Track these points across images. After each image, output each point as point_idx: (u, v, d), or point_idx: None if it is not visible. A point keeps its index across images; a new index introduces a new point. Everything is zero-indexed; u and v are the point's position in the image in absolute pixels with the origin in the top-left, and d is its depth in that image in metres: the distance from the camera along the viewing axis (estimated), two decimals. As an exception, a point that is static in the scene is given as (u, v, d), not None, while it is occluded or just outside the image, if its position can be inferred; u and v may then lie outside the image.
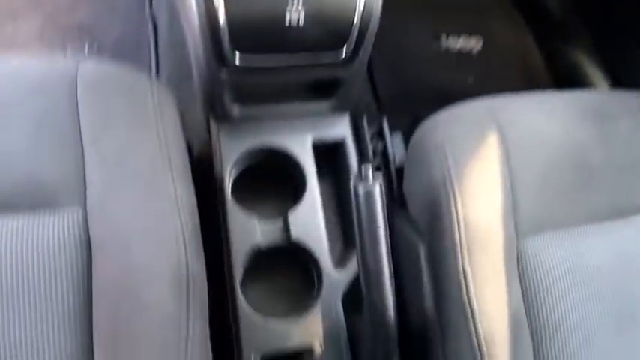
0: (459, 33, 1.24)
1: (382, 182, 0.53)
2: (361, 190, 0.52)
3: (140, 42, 1.10)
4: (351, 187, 0.53)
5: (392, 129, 0.97)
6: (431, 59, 1.20)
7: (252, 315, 0.67)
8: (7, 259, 0.51)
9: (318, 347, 0.67)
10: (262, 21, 0.59)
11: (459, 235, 0.60)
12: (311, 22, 0.59)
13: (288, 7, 0.57)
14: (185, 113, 0.95)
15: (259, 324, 0.67)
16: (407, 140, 0.95)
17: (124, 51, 1.10)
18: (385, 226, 0.53)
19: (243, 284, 0.70)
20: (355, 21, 0.61)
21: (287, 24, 0.58)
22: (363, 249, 0.54)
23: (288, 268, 0.75)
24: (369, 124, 0.95)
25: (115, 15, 1.14)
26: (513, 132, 0.66)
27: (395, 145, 0.94)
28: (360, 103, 1.03)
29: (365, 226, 0.52)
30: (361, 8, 0.61)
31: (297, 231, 0.70)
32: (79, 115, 0.57)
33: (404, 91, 1.14)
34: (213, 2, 0.57)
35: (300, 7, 0.57)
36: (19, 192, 0.53)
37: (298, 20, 0.58)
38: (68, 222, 0.53)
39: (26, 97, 0.57)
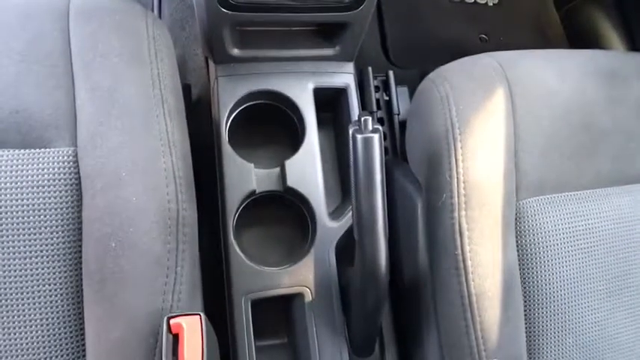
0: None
1: (382, 132, 0.52)
2: (359, 137, 0.50)
3: None
4: (350, 133, 0.51)
5: (399, 83, 0.95)
6: (444, 11, 1.15)
7: (243, 260, 0.67)
8: None
9: (308, 294, 0.68)
10: None
11: (457, 190, 0.59)
12: None
13: None
14: (187, 56, 0.92)
15: (251, 269, 0.67)
16: (413, 95, 0.93)
17: None
18: (382, 174, 0.52)
19: (237, 230, 0.70)
20: None
21: None
22: (357, 195, 0.53)
23: (283, 216, 0.74)
24: (376, 76, 0.92)
25: None
26: (522, 89, 0.64)
27: (400, 98, 0.91)
28: (366, 55, 1.01)
29: (361, 173, 0.51)
30: None
31: (293, 178, 0.70)
32: (70, 46, 0.55)
33: (414, 45, 1.11)
34: None
35: None
36: (7, 127, 0.52)
37: None
38: (58, 158, 0.53)
39: (15, 26, 0.55)
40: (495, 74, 0.64)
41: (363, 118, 0.51)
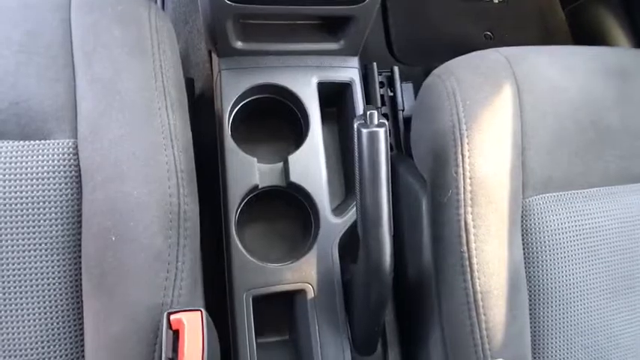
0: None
1: (388, 127, 0.51)
2: (365, 131, 0.49)
3: None
4: (355, 127, 0.50)
5: (403, 79, 0.94)
6: (449, 7, 1.14)
7: (245, 256, 0.67)
8: None
9: (310, 291, 0.67)
10: None
11: (464, 187, 0.58)
12: None
13: None
14: (190, 50, 0.92)
15: (252, 265, 0.66)
16: (418, 91, 0.92)
17: None
18: (387, 169, 0.51)
19: (239, 225, 0.69)
20: None
21: None
22: (362, 191, 0.52)
23: (286, 212, 0.73)
24: (380, 72, 0.91)
25: None
26: (530, 85, 0.63)
27: (405, 94, 0.91)
28: (370, 51, 1.00)
29: (366, 168, 0.50)
30: None
31: (296, 173, 0.69)
32: (71, 36, 0.54)
33: (418, 41, 1.10)
34: None
35: None
36: (7, 118, 0.52)
37: None
38: (58, 150, 0.52)
39: (15, 16, 0.54)
40: (503, 70, 0.63)
41: (368, 112, 0.50)
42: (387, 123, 0.51)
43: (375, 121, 0.50)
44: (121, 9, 0.56)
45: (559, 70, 0.65)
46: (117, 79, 0.53)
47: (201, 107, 0.79)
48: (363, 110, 0.50)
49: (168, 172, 0.53)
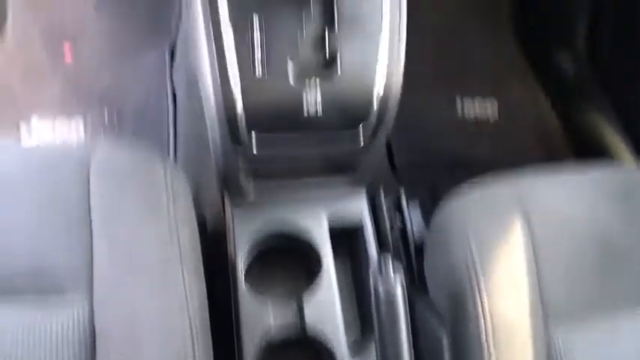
0: (473, 96, 1.24)
1: (403, 277, 0.51)
2: (381, 288, 0.49)
3: (161, 110, 1.10)
4: (371, 282, 0.51)
5: (409, 198, 0.95)
6: (447, 127, 1.19)
7: None
8: (9, 349, 0.49)
9: None
10: (280, 108, 0.58)
11: (485, 325, 0.58)
12: (328, 109, 0.58)
13: (306, 95, 0.57)
14: (201, 188, 0.94)
15: None
16: (424, 210, 0.92)
17: (144, 119, 1.10)
18: (407, 321, 0.50)
19: None
20: (374, 106, 0.60)
21: (305, 113, 0.57)
22: (382, 344, 0.51)
23: (302, 357, 0.71)
24: (386, 193, 0.93)
25: (137, 83, 1.15)
26: (539, 217, 0.64)
27: (413, 218, 0.91)
28: (376, 173, 1.02)
29: (385, 324, 0.50)
30: (380, 92, 0.60)
31: (312, 318, 0.67)
32: (89, 200, 0.56)
33: (420, 160, 1.13)
34: (231, 91, 0.57)
35: (317, 99, 0.57)
36: (23, 277, 0.52)
37: (316, 107, 0.58)
38: (73, 313, 0.52)
39: (37, 179, 0.57)
40: (510, 204, 0.64)
41: (382, 259, 0.50)
42: (402, 267, 0.51)
43: (390, 273, 0.50)
44: (138, 172, 0.59)
45: (567, 199, 0.67)
46: (133, 242, 0.55)
47: (213, 245, 0.80)
48: (377, 259, 0.51)
49: (183, 335, 0.52)
